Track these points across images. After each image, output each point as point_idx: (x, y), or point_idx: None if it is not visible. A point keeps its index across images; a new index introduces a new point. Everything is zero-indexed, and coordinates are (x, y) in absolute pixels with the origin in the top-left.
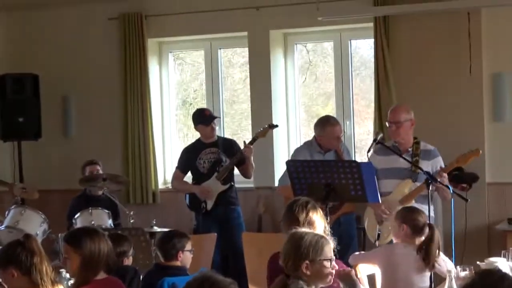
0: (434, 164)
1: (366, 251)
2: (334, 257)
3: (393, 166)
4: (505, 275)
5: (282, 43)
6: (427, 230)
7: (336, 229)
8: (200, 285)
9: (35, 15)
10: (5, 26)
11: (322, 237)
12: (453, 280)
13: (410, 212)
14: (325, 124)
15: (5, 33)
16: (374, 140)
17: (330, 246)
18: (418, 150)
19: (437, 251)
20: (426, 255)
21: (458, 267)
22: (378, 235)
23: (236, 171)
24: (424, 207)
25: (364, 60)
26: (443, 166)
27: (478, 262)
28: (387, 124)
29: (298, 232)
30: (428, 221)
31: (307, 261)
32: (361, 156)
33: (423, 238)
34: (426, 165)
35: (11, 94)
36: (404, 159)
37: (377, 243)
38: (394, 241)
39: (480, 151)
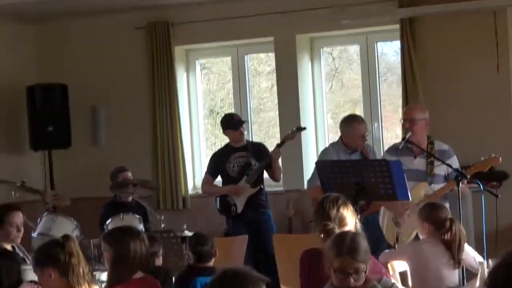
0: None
1: (395, 249)
2: None
3: (408, 168)
4: None
5: (308, 47)
6: (448, 224)
7: (364, 228)
8: (222, 278)
9: (63, 25)
10: (34, 37)
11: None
12: (486, 271)
13: (430, 209)
14: (351, 122)
15: (34, 44)
16: (403, 139)
17: None
18: (433, 150)
19: (459, 245)
20: (449, 250)
21: (490, 260)
22: (397, 238)
23: (265, 174)
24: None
25: (391, 66)
26: (457, 165)
27: None
28: (400, 121)
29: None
30: (449, 215)
31: None
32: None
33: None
34: (441, 166)
35: (40, 104)
36: (436, 159)
37: (396, 246)
38: (421, 237)
39: (500, 159)
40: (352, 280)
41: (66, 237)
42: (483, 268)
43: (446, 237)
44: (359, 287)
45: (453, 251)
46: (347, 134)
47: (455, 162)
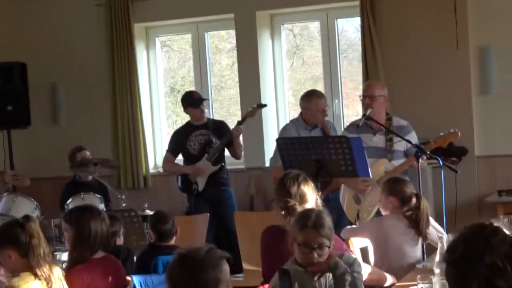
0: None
1: (356, 225)
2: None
3: (368, 145)
4: (497, 228)
5: (269, 24)
6: (414, 200)
7: (325, 205)
8: (180, 260)
9: (21, 3)
10: None
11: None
12: (445, 246)
13: (396, 184)
14: (310, 96)
15: None
16: (364, 115)
17: None
18: (391, 126)
19: (427, 220)
20: (416, 226)
21: (449, 234)
22: (357, 215)
23: (226, 152)
24: None
25: (351, 42)
26: (416, 140)
27: None
28: (360, 98)
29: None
30: (414, 191)
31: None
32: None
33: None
34: (401, 143)
35: None
36: (397, 135)
37: (357, 223)
38: (383, 213)
39: (459, 134)
40: (315, 255)
41: (27, 218)
42: (443, 243)
43: (411, 213)
44: (322, 263)
45: (421, 227)
46: (306, 110)
47: (413, 137)
